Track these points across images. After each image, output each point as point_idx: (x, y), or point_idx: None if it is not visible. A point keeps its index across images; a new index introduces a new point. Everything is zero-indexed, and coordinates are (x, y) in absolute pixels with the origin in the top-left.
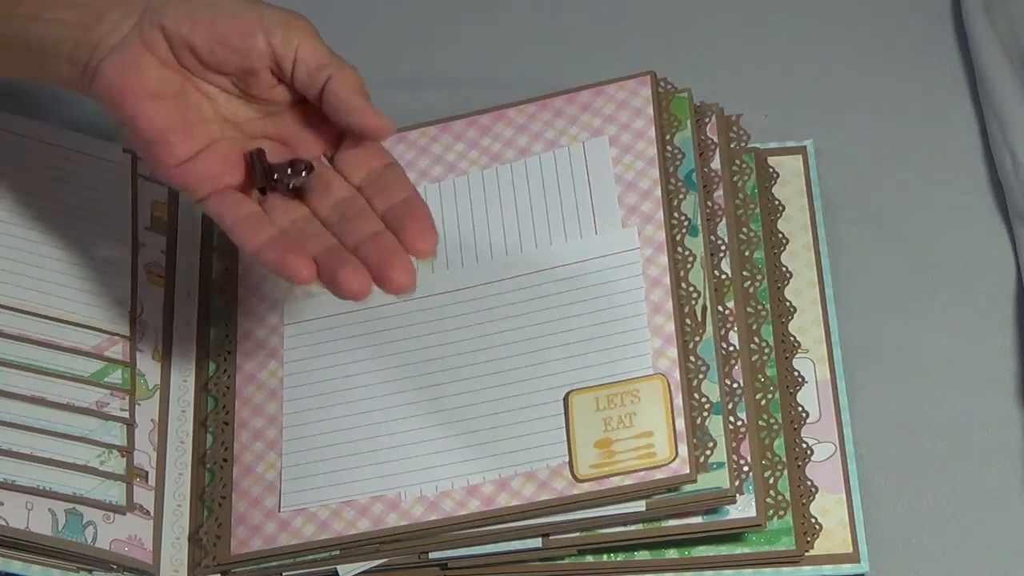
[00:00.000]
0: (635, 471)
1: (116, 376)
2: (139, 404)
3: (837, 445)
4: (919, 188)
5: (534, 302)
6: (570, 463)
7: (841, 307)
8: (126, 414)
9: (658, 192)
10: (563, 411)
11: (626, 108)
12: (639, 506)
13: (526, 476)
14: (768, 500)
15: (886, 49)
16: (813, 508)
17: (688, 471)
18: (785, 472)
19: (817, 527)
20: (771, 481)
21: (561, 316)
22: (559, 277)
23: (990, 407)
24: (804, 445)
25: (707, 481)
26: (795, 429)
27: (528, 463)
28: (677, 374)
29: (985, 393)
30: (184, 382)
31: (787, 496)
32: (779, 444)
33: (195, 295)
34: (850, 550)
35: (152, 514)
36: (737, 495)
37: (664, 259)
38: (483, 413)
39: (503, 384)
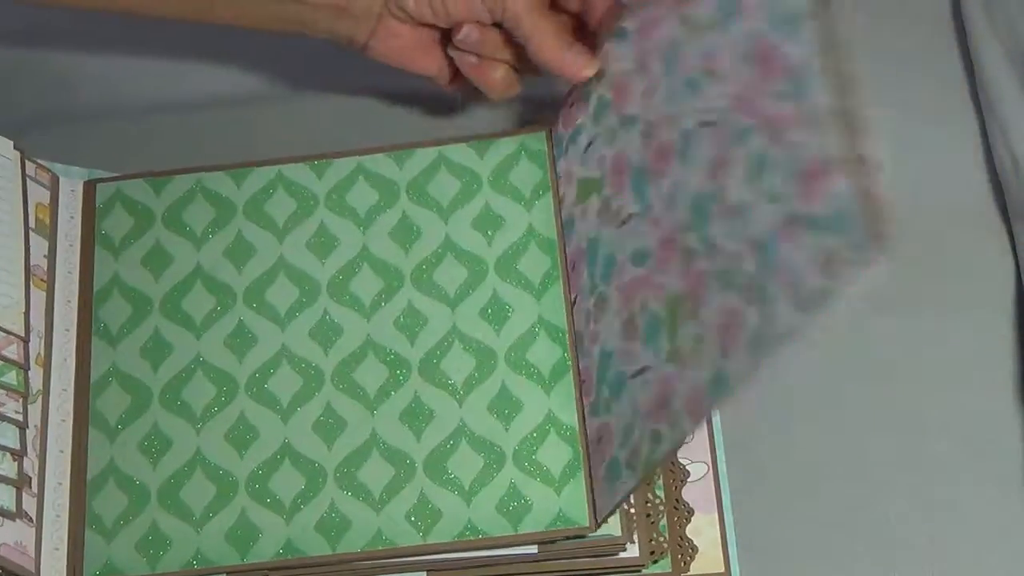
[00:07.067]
0: None
1: (11, 377)
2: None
3: (709, 464)
4: (919, 188)
5: None
6: None
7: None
8: (20, 416)
9: None
10: None
11: None
12: (531, 550)
13: None
14: (651, 543)
15: (886, 49)
16: (690, 530)
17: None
18: (664, 511)
19: (691, 550)
20: (652, 522)
21: None
22: None
23: (990, 407)
24: (680, 466)
25: (600, 529)
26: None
27: None
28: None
29: (985, 393)
30: (64, 391)
31: (667, 536)
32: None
33: (75, 303)
34: (722, 569)
35: (34, 521)
36: (628, 543)
37: None
38: None
39: None
